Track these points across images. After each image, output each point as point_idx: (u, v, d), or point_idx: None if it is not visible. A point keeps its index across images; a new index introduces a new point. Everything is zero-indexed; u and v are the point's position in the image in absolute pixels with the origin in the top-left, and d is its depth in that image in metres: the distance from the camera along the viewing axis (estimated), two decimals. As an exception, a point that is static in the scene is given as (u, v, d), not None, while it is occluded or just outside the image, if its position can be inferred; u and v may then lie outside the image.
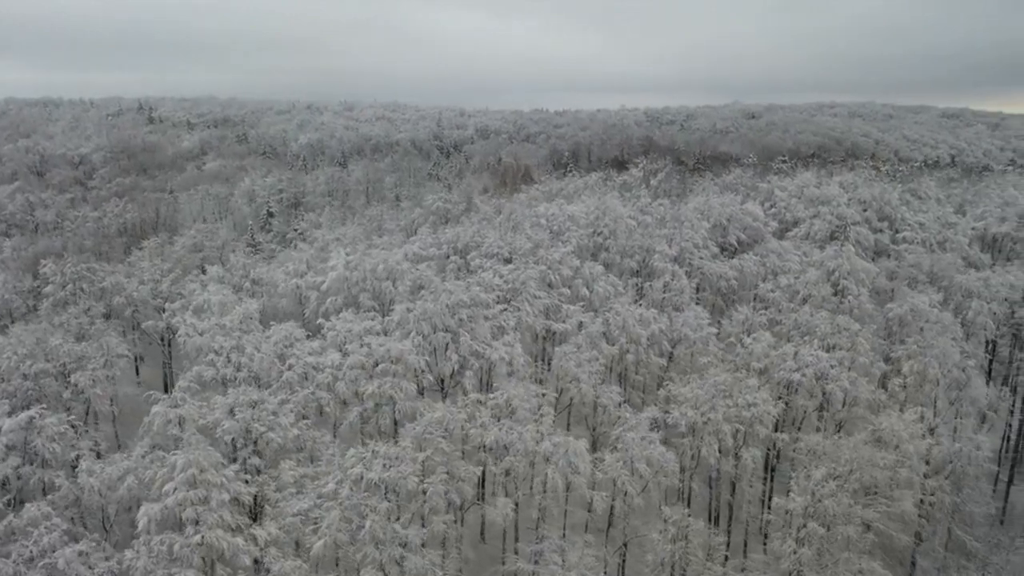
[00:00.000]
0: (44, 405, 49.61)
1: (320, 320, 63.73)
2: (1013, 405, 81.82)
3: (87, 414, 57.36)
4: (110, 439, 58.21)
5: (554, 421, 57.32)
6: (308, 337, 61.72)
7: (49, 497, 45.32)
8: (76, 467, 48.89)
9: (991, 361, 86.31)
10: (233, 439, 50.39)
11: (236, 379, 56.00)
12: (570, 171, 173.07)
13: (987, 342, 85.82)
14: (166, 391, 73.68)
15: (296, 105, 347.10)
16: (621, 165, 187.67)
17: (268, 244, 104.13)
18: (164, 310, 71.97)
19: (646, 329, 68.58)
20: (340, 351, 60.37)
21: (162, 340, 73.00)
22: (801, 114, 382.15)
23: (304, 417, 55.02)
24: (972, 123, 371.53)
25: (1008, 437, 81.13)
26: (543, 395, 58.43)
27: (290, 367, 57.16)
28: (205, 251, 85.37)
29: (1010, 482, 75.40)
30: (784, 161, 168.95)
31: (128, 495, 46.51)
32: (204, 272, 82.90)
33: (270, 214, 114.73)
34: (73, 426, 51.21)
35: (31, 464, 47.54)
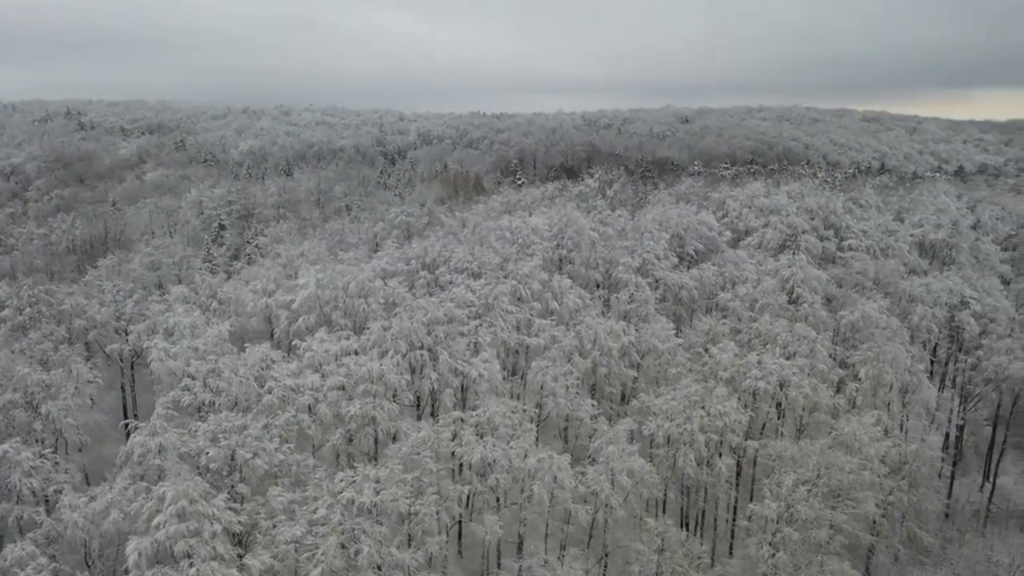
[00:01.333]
0: (17, 438, 47.89)
1: (295, 341, 63.03)
2: (952, 404, 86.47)
3: (56, 444, 55.50)
4: (77, 469, 56.39)
5: (537, 437, 58.26)
6: (283, 358, 61.03)
7: (30, 535, 43.82)
8: (51, 501, 47.51)
9: (932, 363, 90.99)
10: (218, 467, 49.58)
11: (215, 404, 55.02)
12: (519, 179, 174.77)
13: (929, 345, 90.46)
14: (125, 416, 71.78)
15: (232, 109, 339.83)
16: (570, 172, 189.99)
17: (223, 258, 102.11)
18: (127, 332, 70.06)
19: (617, 341, 70.16)
20: (318, 372, 59.96)
21: (122, 362, 70.97)
22: (732, 118, 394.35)
23: (285, 441, 54.49)
24: (892, 127, 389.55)
25: (948, 434, 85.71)
26: (524, 411, 59.24)
27: (269, 390, 56.45)
28: (162, 269, 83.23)
29: (952, 478, 79.68)
30: (727, 167, 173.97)
31: (113, 529, 45.34)
32: (162, 291, 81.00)
33: (222, 227, 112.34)
34: (43, 457, 49.56)
35: (7, 501, 45.88)
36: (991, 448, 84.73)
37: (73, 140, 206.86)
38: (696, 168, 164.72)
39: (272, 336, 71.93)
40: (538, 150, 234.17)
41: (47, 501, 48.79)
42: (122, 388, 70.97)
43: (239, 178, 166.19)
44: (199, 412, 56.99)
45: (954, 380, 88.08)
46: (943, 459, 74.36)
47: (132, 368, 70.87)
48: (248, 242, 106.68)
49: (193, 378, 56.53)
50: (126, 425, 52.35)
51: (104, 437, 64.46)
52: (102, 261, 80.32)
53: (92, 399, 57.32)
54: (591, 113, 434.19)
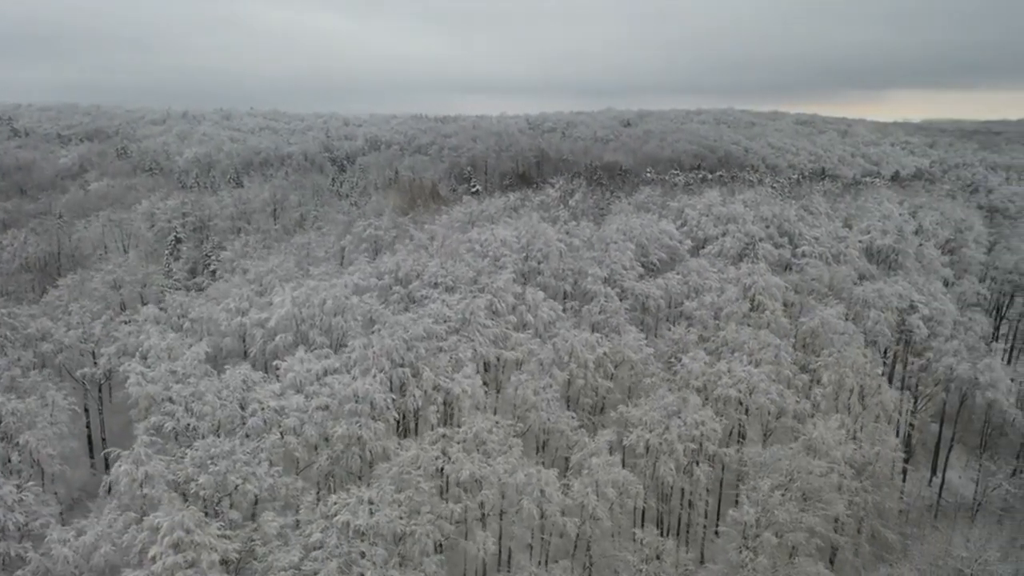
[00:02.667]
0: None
1: (276, 362, 62.42)
2: (906, 405, 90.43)
3: (31, 475, 53.87)
4: (56, 500, 54.90)
5: (523, 452, 59.08)
6: (264, 379, 60.44)
7: (19, 573, 42.68)
8: (36, 535, 46.21)
9: (884, 364, 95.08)
10: (209, 494, 49.01)
11: (198, 429, 54.26)
12: (473, 186, 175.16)
13: (881, 348, 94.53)
14: (90, 440, 69.79)
15: (171, 114, 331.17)
16: (523, 179, 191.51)
17: (181, 272, 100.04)
18: (94, 355, 68.35)
19: (592, 353, 71.49)
20: (300, 392, 59.60)
21: (88, 386, 69.06)
22: (672, 122, 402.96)
23: (272, 464, 54.09)
24: (824, 129, 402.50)
25: (899, 431, 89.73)
26: (509, 426, 59.98)
27: (253, 413, 55.93)
28: (124, 287, 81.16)
29: (904, 475, 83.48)
30: (676, 173, 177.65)
31: (103, 563, 44.47)
32: (126, 310, 79.11)
33: (178, 240, 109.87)
34: (25, 490, 48.23)
35: (-9, 537, 44.55)
36: (938, 444, 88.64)
37: (9, 148, 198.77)
38: (650, 175, 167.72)
39: (246, 355, 71.00)
40: (489, 156, 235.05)
41: (20, 532, 47.40)
42: (86, 410, 68.88)
43: (187, 187, 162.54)
44: (176, 437, 55.98)
45: (903, 381, 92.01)
46: (904, 459, 77.79)
47: (99, 391, 69.12)
48: (207, 255, 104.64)
49: (174, 402, 55.56)
50: (106, 455, 51.09)
51: (74, 463, 62.76)
52: (62, 280, 77.86)
53: (67, 427, 55.71)
54: (534, 116, 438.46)
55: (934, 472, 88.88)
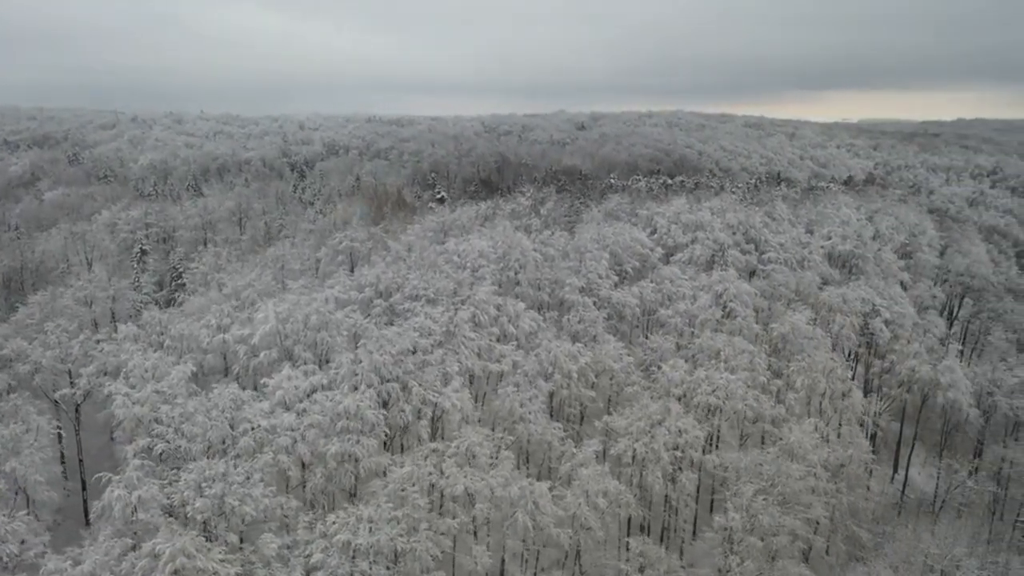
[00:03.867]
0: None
1: (264, 380, 61.90)
2: (871, 407, 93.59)
3: (16, 502, 52.59)
4: (44, 528, 53.63)
5: (516, 465, 59.73)
6: (253, 398, 59.94)
7: (17, 606, 41.80)
8: (22, 564, 45.22)
9: (852, 368, 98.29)
10: (206, 517, 48.56)
11: (190, 451, 53.64)
12: (438, 192, 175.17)
13: (847, 351, 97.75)
14: (63, 460, 68.09)
15: (120, 118, 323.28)
16: (487, 184, 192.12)
17: (149, 285, 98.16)
18: (70, 375, 66.87)
19: (575, 364, 72.52)
20: (289, 410, 59.29)
21: (65, 407, 67.46)
22: (626, 125, 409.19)
23: (266, 484, 53.76)
24: (772, 132, 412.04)
25: (866, 434, 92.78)
26: (500, 438, 60.56)
27: (244, 432, 55.51)
28: (96, 303, 79.40)
29: (870, 475, 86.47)
30: (639, 179, 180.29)
31: (103, 592, 43.77)
32: (97, 327, 77.55)
33: (143, 252, 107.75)
34: (17, 519, 47.18)
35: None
36: (899, 442, 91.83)
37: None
38: (614, 181, 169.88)
39: (227, 372, 70.23)
40: (450, 162, 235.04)
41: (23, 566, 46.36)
42: (59, 433, 67.03)
43: (145, 195, 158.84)
44: (162, 458, 55.14)
45: (867, 383, 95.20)
46: (873, 460, 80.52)
47: (76, 411, 67.65)
48: (175, 268, 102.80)
49: (163, 423, 54.80)
50: (95, 478, 50.21)
51: (52, 484, 61.29)
52: (32, 298, 75.77)
53: (51, 452, 54.51)
54: (488, 118, 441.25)
55: (895, 470, 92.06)
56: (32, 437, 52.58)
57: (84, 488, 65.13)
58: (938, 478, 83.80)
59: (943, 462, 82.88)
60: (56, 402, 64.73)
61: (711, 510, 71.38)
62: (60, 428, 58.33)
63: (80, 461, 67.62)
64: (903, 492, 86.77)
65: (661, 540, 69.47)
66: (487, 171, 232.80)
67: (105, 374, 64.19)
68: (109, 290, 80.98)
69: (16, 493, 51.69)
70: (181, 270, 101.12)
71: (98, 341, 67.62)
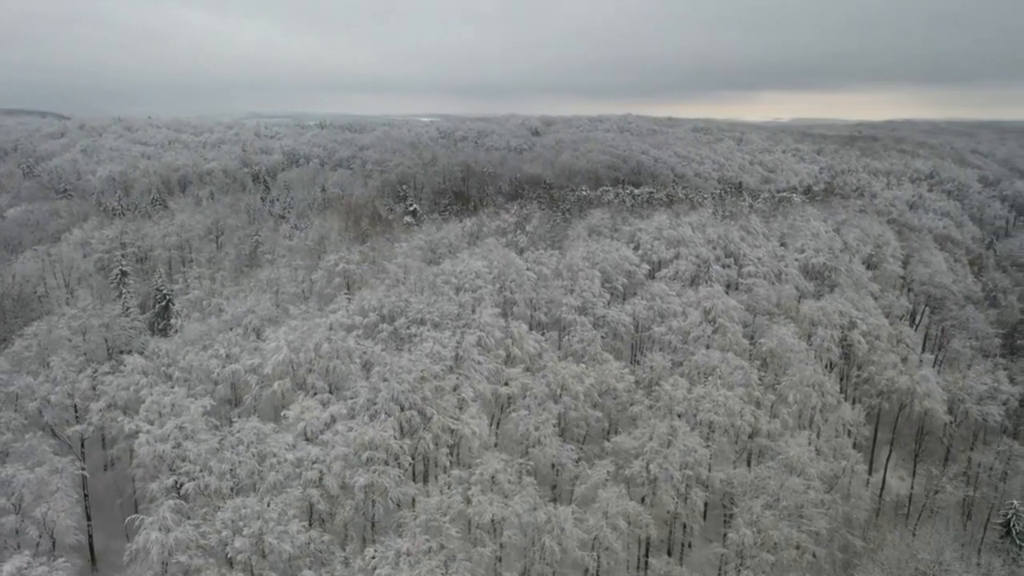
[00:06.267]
0: (26, 551, 44.62)
1: (284, 411, 61.83)
2: (857, 418, 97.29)
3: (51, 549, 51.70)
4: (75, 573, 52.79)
5: (538, 491, 60.94)
6: (274, 430, 59.89)
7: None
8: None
9: (839, 380, 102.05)
10: (246, 557, 48.59)
11: (220, 489, 53.48)
12: (410, 206, 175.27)
13: (827, 363, 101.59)
14: (86, 504, 66.45)
15: (68, 127, 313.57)
16: (458, 197, 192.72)
17: (133, 309, 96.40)
18: (76, 408, 65.67)
19: (582, 385, 74.11)
20: (311, 442, 59.48)
21: (70, 444, 66.11)
22: (580, 130, 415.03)
23: (299, 519, 53.97)
24: (720, 137, 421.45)
25: (853, 444, 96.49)
26: (521, 464, 61.73)
27: (272, 468, 55.56)
28: (90, 332, 77.75)
29: (868, 487, 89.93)
30: (607, 189, 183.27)
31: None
32: (88, 359, 76.00)
33: (123, 274, 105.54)
34: (56, 569, 46.46)
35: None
36: (873, 448, 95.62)
37: None
38: (586, 192, 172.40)
39: (235, 403, 69.74)
40: (416, 172, 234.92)
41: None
42: (84, 474, 65.23)
43: (109, 211, 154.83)
44: (189, 496, 54.85)
45: (846, 393, 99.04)
46: (865, 470, 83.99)
47: (82, 447, 66.51)
48: (159, 290, 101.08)
49: (190, 461, 54.48)
50: (92, 514, 49.78)
51: (80, 528, 60.17)
52: (28, 329, 73.80)
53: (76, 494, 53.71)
54: (440, 121, 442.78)
55: (870, 473, 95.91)
56: (58, 479, 51.68)
57: (88, 522, 63.99)
58: (912, 481, 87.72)
59: (919, 466, 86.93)
60: (68, 442, 63.46)
61: (704, 519, 73.73)
62: (84, 469, 57.27)
63: (85, 496, 66.43)
64: (880, 496, 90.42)
65: (669, 555, 71.58)
66: (453, 181, 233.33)
67: (114, 407, 63.31)
68: (104, 318, 79.35)
69: (40, 536, 50.81)
70: (165, 291, 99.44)
71: (105, 374, 66.49)
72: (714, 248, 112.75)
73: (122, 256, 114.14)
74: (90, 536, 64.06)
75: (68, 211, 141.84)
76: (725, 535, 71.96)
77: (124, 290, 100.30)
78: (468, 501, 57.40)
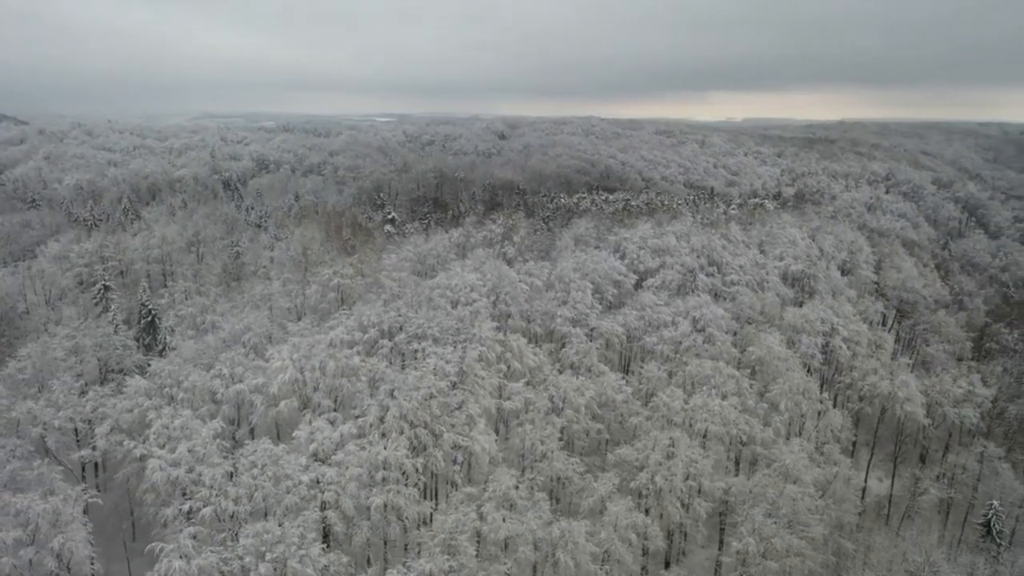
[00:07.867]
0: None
1: (295, 432, 61.67)
2: (844, 424, 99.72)
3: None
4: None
5: (551, 507, 61.79)
6: (286, 451, 59.76)
7: None
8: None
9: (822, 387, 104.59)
10: (271, 583, 48.58)
11: (235, 513, 53.32)
12: (389, 214, 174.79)
13: (810, 369, 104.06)
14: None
15: (28, 132, 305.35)
16: (436, 204, 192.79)
17: (119, 325, 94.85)
18: (77, 432, 64.74)
19: (583, 398, 75.19)
20: (323, 462, 59.52)
21: (71, 469, 65.13)
22: (545, 133, 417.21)
23: (316, 541, 54.04)
24: (683, 140, 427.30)
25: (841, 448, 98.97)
26: (531, 479, 62.53)
27: (288, 490, 55.55)
28: (83, 353, 76.42)
29: (862, 494, 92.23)
30: (584, 196, 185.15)
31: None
32: (82, 378, 74.83)
33: (106, 288, 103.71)
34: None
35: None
36: (854, 450, 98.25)
37: None
38: (564, 200, 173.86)
39: (238, 423, 69.29)
40: (391, 179, 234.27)
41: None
42: (98, 501, 64.13)
43: (80, 222, 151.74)
44: (188, 518, 54.56)
45: (834, 401, 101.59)
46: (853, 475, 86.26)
47: (82, 471, 65.60)
48: (144, 305, 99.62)
49: (205, 485, 54.20)
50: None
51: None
52: (22, 351, 72.27)
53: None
54: (404, 122, 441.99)
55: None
56: (71, 508, 51.01)
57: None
58: (892, 483, 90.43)
59: (899, 468, 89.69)
60: (70, 467, 62.54)
61: (722, 532, 75.28)
62: (98, 497, 56.51)
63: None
64: (863, 498, 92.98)
65: (667, 564, 73.06)
66: (427, 188, 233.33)
67: (119, 431, 62.57)
68: (96, 337, 78.09)
69: (59, 568, 50.13)
70: (150, 307, 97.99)
71: (106, 397, 65.59)
72: (698, 257, 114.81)
73: (104, 270, 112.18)
74: (92, 560, 63.23)
75: (40, 222, 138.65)
76: (722, 541, 73.72)
77: (110, 307, 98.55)
78: (482, 518, 58.04)
